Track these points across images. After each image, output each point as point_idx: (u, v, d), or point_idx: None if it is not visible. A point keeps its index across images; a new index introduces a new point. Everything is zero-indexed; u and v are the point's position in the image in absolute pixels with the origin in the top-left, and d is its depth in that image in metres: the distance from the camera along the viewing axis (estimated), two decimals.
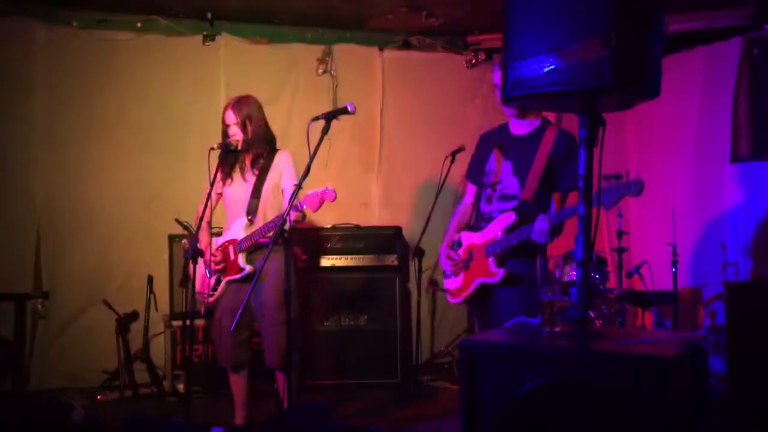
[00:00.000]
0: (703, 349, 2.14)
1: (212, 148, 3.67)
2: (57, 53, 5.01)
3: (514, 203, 3.20)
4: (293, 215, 3.36)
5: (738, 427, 3.70)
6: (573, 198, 3.19)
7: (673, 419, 1.82)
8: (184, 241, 4.82)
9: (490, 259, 3.17)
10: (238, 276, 3.71)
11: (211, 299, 3.79)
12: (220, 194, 3.89)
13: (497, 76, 3.25)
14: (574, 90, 1.95)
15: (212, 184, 3.61)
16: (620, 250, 4.88)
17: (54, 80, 5.00)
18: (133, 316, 5.00)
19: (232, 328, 3.35)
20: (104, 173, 5.11)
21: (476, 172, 3.42)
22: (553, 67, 1.94)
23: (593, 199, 2.11)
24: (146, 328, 4.93)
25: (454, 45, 5.95)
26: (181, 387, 4.73)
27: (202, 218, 3.60)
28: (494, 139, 3.37)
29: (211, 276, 3.78)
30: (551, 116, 3.48)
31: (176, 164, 5.20)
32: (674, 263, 4.76)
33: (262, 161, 3.77)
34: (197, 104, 5.31)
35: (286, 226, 3.30)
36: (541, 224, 2.99)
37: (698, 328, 5.13)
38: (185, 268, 3.62)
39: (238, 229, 3.74)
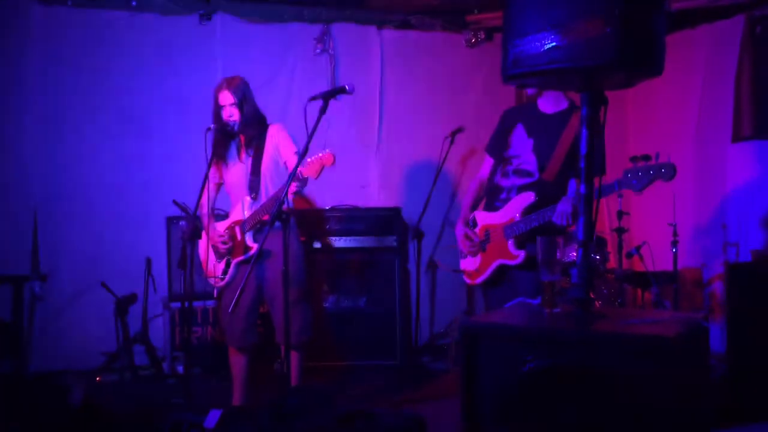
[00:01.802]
0: (703, 329, 2.13)
1: (209, 129, 3.65)
2: (51, 34, 4.94)
3: (530, 179, 3.16)
4: (293, 186, 3.28)
5: (738, 407, 3.70)
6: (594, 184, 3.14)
7: (673, 399, 1.81)
8: (182, 222, 4.80)
9: (510, 241, 3.13)
10: (246, 256, 3.69)
11: (222, 282, 3.77)
12: (220, 183, 3.87)
13: None
14: (575, 67, 1.92)
15: (209, 166, 3.58)
16: (620, 231, 4.86)
17: (48, 62, 4.94)
18: (132, 298, 4.98)
19: (230, 309, 3.33)
20: (101, 155, 5.08)
21: (497, 146, 3.37)
22: (554, 44, 1.91)
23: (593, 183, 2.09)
24: (145, 310, 4.93)
25: (454, 24, 5.89)
26: (180, 369, 4.73)
27: (198, 201, 3.57)
28: (520, 115, 3.32)
29: (220, 260, 3.77)
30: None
31: (173, 145, 5.16)
32: (674, 243, 4.75)
33: (257, 135, 3.75)
34: (193, 85, 5.25)
35: (289, 196, 3.24)
36: (564, 206, 2.95)
37: (698, 308, 5.12)
38: (183, 249, 3.59)
39: (242, 209, 3.72)
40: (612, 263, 4.96)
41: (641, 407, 1.82)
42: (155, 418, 2.58)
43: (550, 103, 3.24)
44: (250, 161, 3.74)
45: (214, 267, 3.79)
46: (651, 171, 2.66)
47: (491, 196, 3.32)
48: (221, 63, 5.29)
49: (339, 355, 4.94)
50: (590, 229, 2.11)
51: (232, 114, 3.69)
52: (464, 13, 5.80)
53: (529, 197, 3.11)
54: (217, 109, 3.72)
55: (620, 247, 4.83)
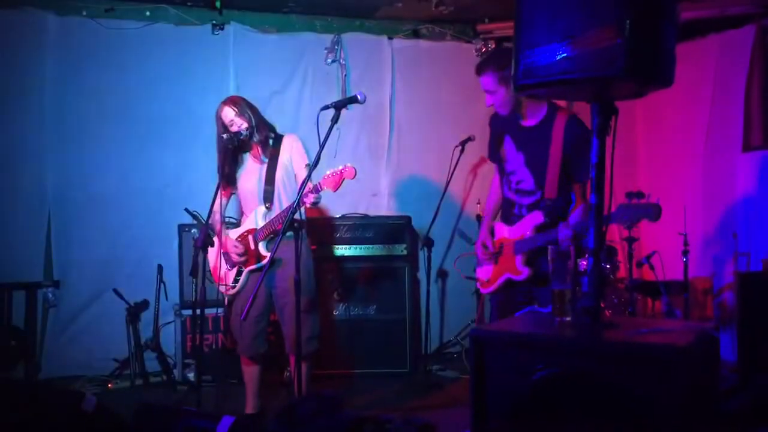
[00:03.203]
0: (714, 339, 2.13)
1: (222, 137, 3.68)
2: (67, 44, 5.01)
3: (534, 198, 3.19)
4: (311, 197, 3.38)
5: (749, 417, 3.69)
6: (583, 188, 3.18)
7: (683, 409, 1.81)
8: (194, 230, 4.84)
9: (518, 257, 3.18)
10: (259, 265, 3.71)
11: (233, 290, 3.80)
12: (233, 192, 3.88)
13: (486, 81, 3.18)
14: (586, 78, 1.93)
15: (221, 175, 3.61)
16: (631, 240, 4.85)
17: (64, 71, 5.01)
18: (144, 305, 5.03)
19: (243, 317, 3.37)
20: (114, 163, 5.12)
21: (495, 151, 3.40)
22: (565, 54, 1.93)
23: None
24: (156, 317, 4.96)
25: (464, 34, 5.92)
26: (191, 376, 4.75)
27: (210, 209, 3.59)
28: (506, 126, 3.31)
29: (231, 268, 3.80)
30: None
31: (186, 154, 5.20)
32: (685, 253, 4.74)
33: (271, 145, 3.78)
34: (207, 94, 5.29)
35: (304, 206, 3.32)
36: (564, 233, 2.99)
37: (709, 318, 5.10)
38: (195, 257, 3.62)
39: (256, 218, 3.75)
40: (622, 272, 4.96)
41: (651, 417, 1.82)
42: (167, 425, 2.59)
43: (528, 116, 3.21)
44: (264, 170, 3.77)
45: (225, 274, 3.81)
46: (640, 210, 2.77)
47: (506, 209, 3.35)
48: (234, 72, 5.35)
49: (349, 363, 4.95)
50: (601, 239, 2.11)
51: (239, 125, 3.72)
52: (474, 23, 5.83)
53: (538, 217, 3.14)
54: (224, 129, 3.72)
55: (631, 257, 4.82)
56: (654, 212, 2.74)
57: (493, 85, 3.17)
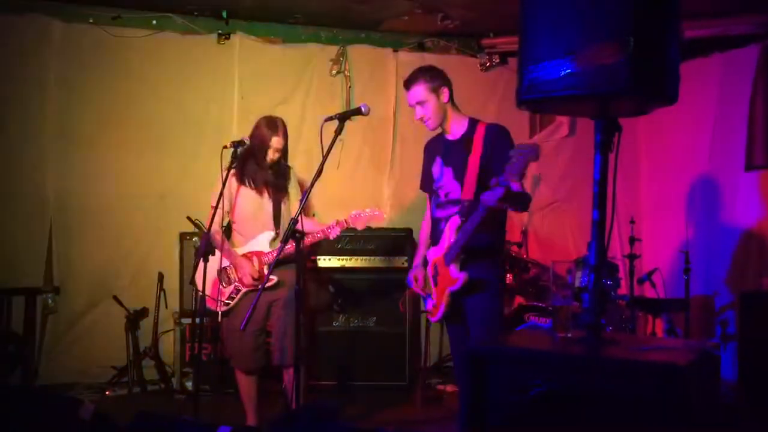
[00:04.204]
0: (714, 357, 2.12)
1: (225, 147, 3.69)
2: (72, 51, 5.03)
3: (458, 207, 3.18)
4: (338, 231, 3.74)
5: None
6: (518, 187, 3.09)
7: (683, 428, 1.80)
8: (195, 239, 4.83)
9: (451, 267, 3.11)
10: (262, 286, 3.64)
11: (225, 308, 3.79)
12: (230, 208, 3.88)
13: (418, 91, 3.22)
14: (590, 94, 1.94)
15: (224, 185, 3.60)
16: (632, 257, 4.84)
17: (68, 77, 5.02)
18: (143, 312, 5.02)
19: (242, 327, 3.38)
20: (117, 170, 5.13)
21: (426, 181, 3.43)
22: (569, 71, 1.93)
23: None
24: (156, 325, 4.95)
25: (469, 48, 5.94)
26: (189, 385, 4.73)
27: (212, 219, 3.58)
28: (436, 147, 3.37)
29: (227, 285, 3.80)
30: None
31: (189, 162, 5.21)
32: (686, 271, 4.72)
33: (282, 179, 3.88)
34: (211, 103, 5.32)
35: (327, 238, 3.75)
36: (495, 193, 2.83)
37: (710, 336, 5.08)
38: (196, 265, 3.62)
39: (263, 242, 3.80)
40: (623, 289, 4.94)
41: None
42: None
43: (453, 130, 3.28)
44: (272, 196, 3.83)
45: (218, 290, 3.79)
46: (521, 157, 2.71)
47: (434, 231, 3.34)
48: (238, 82, 5.37)
49: (347, 375, 4.93)
50: (602, 255, 2.11)
51: (275, 156, 3.80)
52: (479, 37, 5.86)
53: (456, 221, 3.13)
54: (263, 145, 3.75)
55: (632, 273, 4.82)
56: (534, 151, 2.71)
57: (424, 94, 3.22)
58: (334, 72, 5.59)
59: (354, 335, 4.98)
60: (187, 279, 4.88)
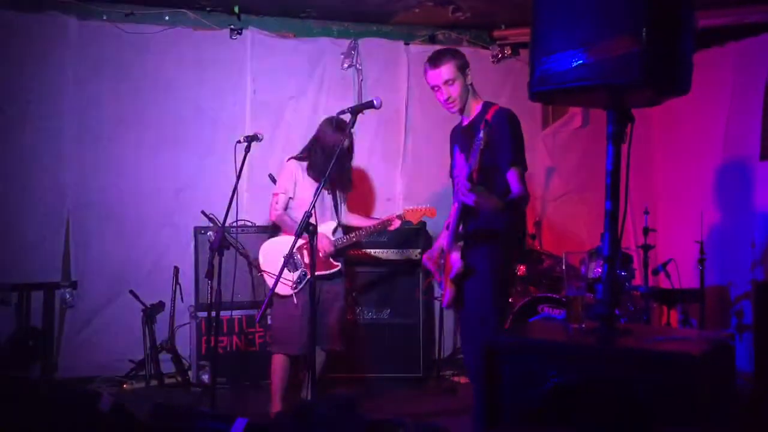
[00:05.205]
0: (729, 348, 2.12)
1: (239, 142, 3.73)
2: (87, 48, 5.07)
3: None
4: (398, 224, 4.09)
5: (765, 427, 3.66)
6: (515, 176, 3.06)
7: (698, 418, 1.80)
8: (209, 233, 4.86)
9: (452, 253, 3.07)
10: (326, 272, 3.97)
11: (295, 291, 3.89)
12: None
13: (447, 70, 3.16)
14: (602, 85, 1.94)
15: (238, 177, 3.63)
16: (646, 247, 4.83)
17: (85, 74, 5.06)
18: (159, 306, 5.07)
19: (257, 319, 3.41)
20: (133, 166, 5.17)
21: (451, 168, 3.37)
22: (581, 62, 1.93)
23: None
24: (172, 319, 5.00)
25: (480, 40, 5.93)
26: (206, 378, 4.78)
27: (226, 212, 3.60)
28: (455, 135, 3.34)
29: (294, 271, 3.90)
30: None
31: (203, 157, 5.24)
32: (701, 261, 4.70)
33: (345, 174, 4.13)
34: (224, 97, 5.35)
35: (390, 229, 4.13)
36: (463, 185, 2.84)
37: (725, 327, 5.07)
38: (211, 259, 3.65)
39: (326, 231, 4.02)
40: (638, 280, 4.93)
41: (665, 425, 1.82)
42: (184, 425, 2.61)
43: (470, 114, 3.22)
44: (333, 189, 4.09)
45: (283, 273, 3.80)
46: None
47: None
48: (251, 76, 5.39)
49: (362, 367, 4.95)
50: (615, 245, 2.11)
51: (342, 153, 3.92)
52: (491, 29, 5.84)
53: (456, 207, 3.08)
54: (333, 145, 3.78)
55: (646, 264, 4.80)
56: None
57: (453, 72, 3.14)
58: (345, 65, 5.60)
59: (368, 328, 5.00)
60: (202, 273, 4.93)
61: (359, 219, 4.30)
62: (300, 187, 4.03)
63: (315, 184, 3.92)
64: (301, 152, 4.09)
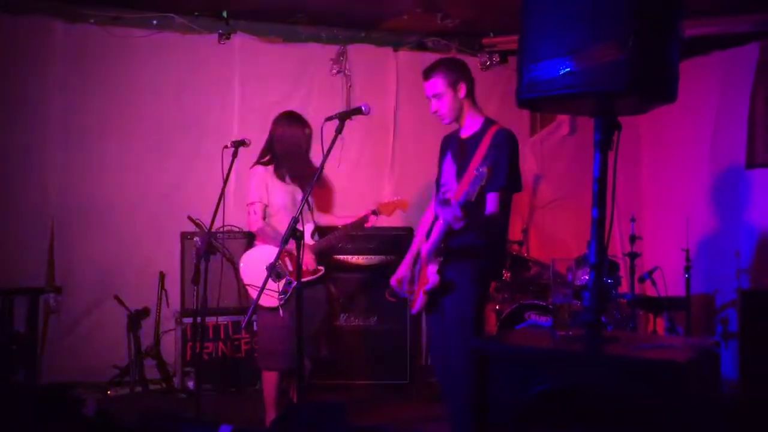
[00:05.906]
0: (715, 355, 2.13)
1: (226, 147, 3.71)
2: (74, 51, 5.03)
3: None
4: (373, 219, 4.05)
5: None
6: (496, 197, 3.05)
7: (683, 426, 1.81)
8: (195, 238, 4.84)
9: (430, 266, 3.07)
10: (312, 278, 3.89)
11: (280, 302, 3.78)
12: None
13: (436, 83, 3.16)
14: (590, 92, 1.94)
15: (225, 183, 3.61)
16: (633, 255, 4.84)
17: (70, 78, 5.03)
18: (145, 312, 5.03)
19: (243, 325, 3.38)
20: (118, 170, 5.14)
21: (437, 177, 3.37)
22: (568, 69, 1.94)
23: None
24: (157, 325, 4.97)
25: (469, 47, 5.95)
26: (191, 384, 4.74)
27: (213, 217, 3.58)
28: (449, 143, 3.31)
29: (278, 280, 3.79)
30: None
31: (190, 162, 5.22)
32: (687, 269, 4.72)
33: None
34: (212, 103, 5.33)
35: (367, 224, 4.08)
36: (453, 211, 2.83)
37: (711, 334, 5.09)
38: (197, 265, 3.63)
39: (307, 234, 3.86)
40: (624, 288, 4.95)
41: None
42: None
43: (466, 127, 3.21)
44: (296, 189, 3.94)
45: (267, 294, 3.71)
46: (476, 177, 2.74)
47: (432, 226, 3.24)
48: (239, 81, 5.37)
49: (349, 373, 4.93)
50: (602, 253, 2.12)
51: (306, 149, 3.96)
52: (480, 36, 5.86)
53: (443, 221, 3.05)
54: (296, 140, 3.88)
55: (633, 272, 4.82)
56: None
57: (440, 87, 3.14)
58: (334, 71, 5.60)
59: (355, 334, 4.99)
60: (188, 279, 4.90)
61: (332, 218, 4.24)
62: (272, 192, 3.91)
63: (286, 187, 3.89)
64: (262, 155, 3.94)
